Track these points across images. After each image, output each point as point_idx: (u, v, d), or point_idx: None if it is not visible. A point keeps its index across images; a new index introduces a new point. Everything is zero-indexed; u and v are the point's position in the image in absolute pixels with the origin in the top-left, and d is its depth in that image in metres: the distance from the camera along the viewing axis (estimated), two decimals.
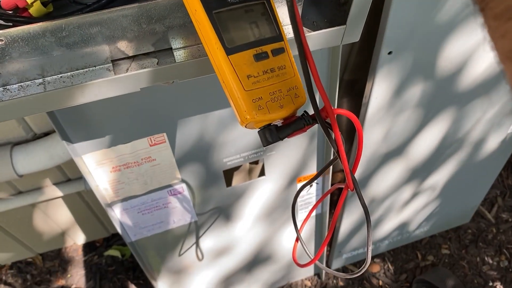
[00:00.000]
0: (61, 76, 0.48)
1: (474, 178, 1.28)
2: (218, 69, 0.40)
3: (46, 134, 0.89)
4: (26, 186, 1.05)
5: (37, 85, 0.47)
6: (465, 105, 0.95)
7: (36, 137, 0.89)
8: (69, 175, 1.06)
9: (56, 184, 1.05)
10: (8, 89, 0.47)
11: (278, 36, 0.41)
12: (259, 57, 0.40)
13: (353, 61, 0.99)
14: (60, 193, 1.04)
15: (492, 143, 1.13)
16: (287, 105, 0.40)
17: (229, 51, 0.39)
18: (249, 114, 0.39)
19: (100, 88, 0.47)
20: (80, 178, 1.07)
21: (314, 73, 0.36)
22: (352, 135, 1.23)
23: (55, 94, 0.46)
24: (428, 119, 0.95)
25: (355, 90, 1.03)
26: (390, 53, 0.75)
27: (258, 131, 0.41)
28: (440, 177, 1.18)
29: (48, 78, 0.48)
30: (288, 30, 0.51)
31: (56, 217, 1.27)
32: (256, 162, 1.11)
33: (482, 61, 0.85)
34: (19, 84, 0.47)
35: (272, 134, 0.40)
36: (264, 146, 0.40)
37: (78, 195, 1.18)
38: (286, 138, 0.41)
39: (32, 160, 0.84)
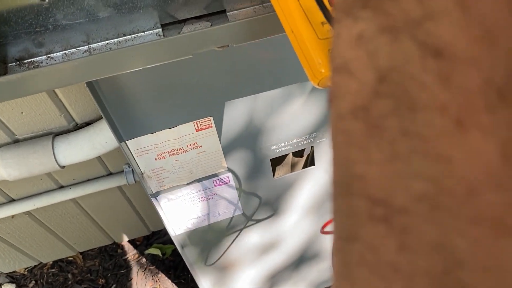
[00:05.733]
0: (107, 43, 0.44)
1: None
2: (287, 17, 0.35)
3: (88, 124, 0.86)
4: (67, 180, 1.03)
5: (82, 53, 0.44)
6: None
7: (78, 127, 0.86)
8: (110, 169, 1.04)
9: (97, 178, 1.03)
10: (51, 57, 0.43)
11: None
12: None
13: None
14: (101, 187, 1.02)
15: None
16: None
17: None
18: (324, 67, 0.33)
19: (150, 52, 0.43)
20: (121, 171, 1.04)
21: None
22: None
23: (101, 58, 0.42)
24: None
25: None
26: None
27: None
28: None
29: (94, 45, 0.44)
30: None
31: (97, 214, 1.25)
32: (301, 155, 1.06)
33: None
34: (64, 52, 0.44)
35: None
36: None
37: (120, 190, 1.15)
38: None
39: (74, 150, 0.82)
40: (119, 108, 0.62)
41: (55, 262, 1.48)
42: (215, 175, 0.79)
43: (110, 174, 1.05)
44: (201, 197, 0.82)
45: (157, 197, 0.78)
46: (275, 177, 0.86)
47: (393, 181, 0.13)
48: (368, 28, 0.14)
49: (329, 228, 0.44)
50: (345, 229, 0.15)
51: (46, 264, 1.48)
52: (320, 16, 0.34)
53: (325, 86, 0.36)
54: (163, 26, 0.45)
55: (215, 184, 0.81)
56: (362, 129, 0.14)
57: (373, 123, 0.14)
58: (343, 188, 0.15)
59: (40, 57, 0.43)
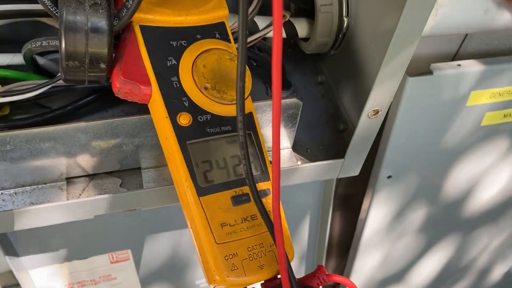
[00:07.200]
0: (1, 193, 0.40)
1: None
2: (186, 211, 0.32)
3: None
4: None
5: None
6: (470, 232, 0.87)
7: None
8: None
9: (5, 287, 0.92)
10: None
11: (264, 174, 0.34)
12: (238, 200, 0.32)
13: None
14: None
15: (497, 274, 1.03)
16: (269, 265, 0.31)
17: (201, 191, 0.31)
18: (219, 274, 0.30)
19: (45, 214, 0.39)
20: None
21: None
22: (345, 247, 1.13)
23: None
24: (430, 246, 0.86)
25: (349, 205, 0.95)
26: (389, 177, 0.69)
27: None
28: None
29: None
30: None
31: None
32: None
33: (490, 187, 0.79)
34: None
35: None
36: None
37: None
38: None
39: None
40: (22, 234, 0.56)
41: None
42: None
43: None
44: None
45: None
46: None
47: None
48: None
49: None
50: None
51: None
52: (221, 218, 0.31)
53: (221, 286, 0.33)
54: (68, 178, 0.42)
55: None
56: None
57: None
58: None
59: None
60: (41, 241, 0.57)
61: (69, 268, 0.61)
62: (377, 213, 0.74)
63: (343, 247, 1.11)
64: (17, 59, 0.42)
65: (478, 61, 0.62)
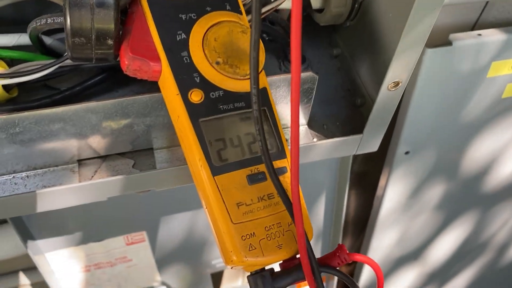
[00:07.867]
0: (13, 176, 0.39)
1: (497, 287, 1.15)
2: (201, 192, 0.31)
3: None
4: None
5: None
6: (490, 208, 0.85)
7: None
8: None
9: (24, 270, 0.94)
10: None
11: (280, 152, 0.32)
12: (254, 179, 0.31)
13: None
14: (27, 281, 0.92)
15: None
16: (287, 244, 0.30)
17: (215, 170, 0.30)
18: (236, 255, 0.29)
19: (58, 197, 0.38)
20: None
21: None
22: (361, 225, 1.12)
23: (4, 203, 0.37)
24: (448, 222, 0.84)
25: (365, 182, 0.94)
26: (407, 153, 0.67)
27: (248, 277, 0.31)
28: (459, 284, 1.05)
29: None
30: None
31: None
32: None
33: (511, 161, 0.77)
34: None
35: (265, 284, 0.30)
36: None
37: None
38: None
39: None
40: (38, 217, 0.56)
41: None
42: None
43: None
44: None
45: None
46: None
47: None
48: None
49: None
50: None
51: None
52: (236, 197, 0.30)
53: (239, 268, 0.32)
54: (80, 160, 0.41)
55: None
56: None
57: None
58: None
59: None
60: (57, 224, 0.57)
61: (85, 251, 0.62)
62: (394, 190, 0.73)
63: (359, 225, 1.10)
64: (23, 39, 0.41)
65: (500, 30, 0.59)
